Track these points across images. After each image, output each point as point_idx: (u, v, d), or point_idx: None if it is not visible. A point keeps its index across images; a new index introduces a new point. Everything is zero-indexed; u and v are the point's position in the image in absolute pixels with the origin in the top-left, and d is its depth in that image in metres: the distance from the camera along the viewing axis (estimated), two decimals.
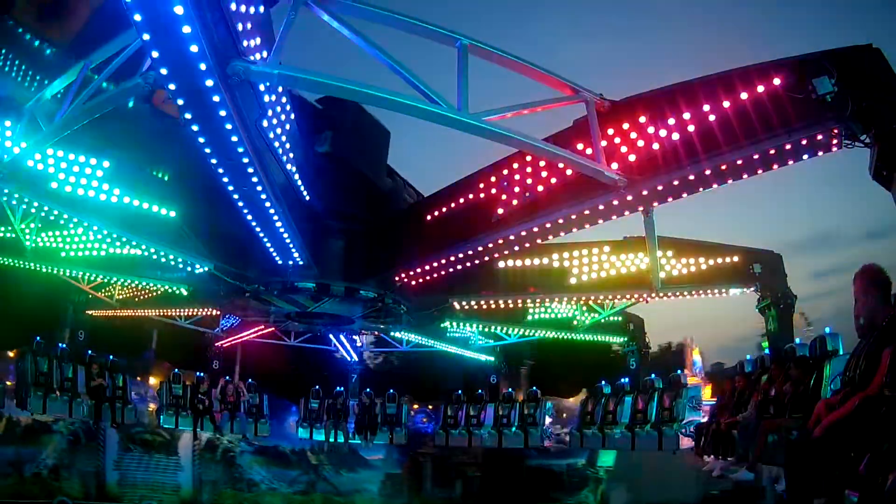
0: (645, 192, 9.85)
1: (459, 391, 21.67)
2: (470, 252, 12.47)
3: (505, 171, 11.45)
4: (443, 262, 13.10)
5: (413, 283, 14.38)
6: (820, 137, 8.52)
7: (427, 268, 13.53)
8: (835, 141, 8.59)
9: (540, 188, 10.85)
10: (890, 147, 7.92)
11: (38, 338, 17.51)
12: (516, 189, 11.20)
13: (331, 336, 22.88)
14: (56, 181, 11.24)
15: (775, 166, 9.08)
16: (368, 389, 21.44)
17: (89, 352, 18.77)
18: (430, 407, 23.11)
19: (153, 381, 22.75)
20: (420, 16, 8.98)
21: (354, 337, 23.39)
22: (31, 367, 16.65)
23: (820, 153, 8.79)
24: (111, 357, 18.92)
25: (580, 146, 9.81)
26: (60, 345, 18.12)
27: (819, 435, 5.03)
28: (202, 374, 19.85)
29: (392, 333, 21.84)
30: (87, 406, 17.45)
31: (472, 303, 16.80)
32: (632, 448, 16.61)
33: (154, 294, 19.09)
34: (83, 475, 18.46)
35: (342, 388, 21.53)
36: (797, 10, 70.67)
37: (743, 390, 12.25)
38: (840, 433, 4.82)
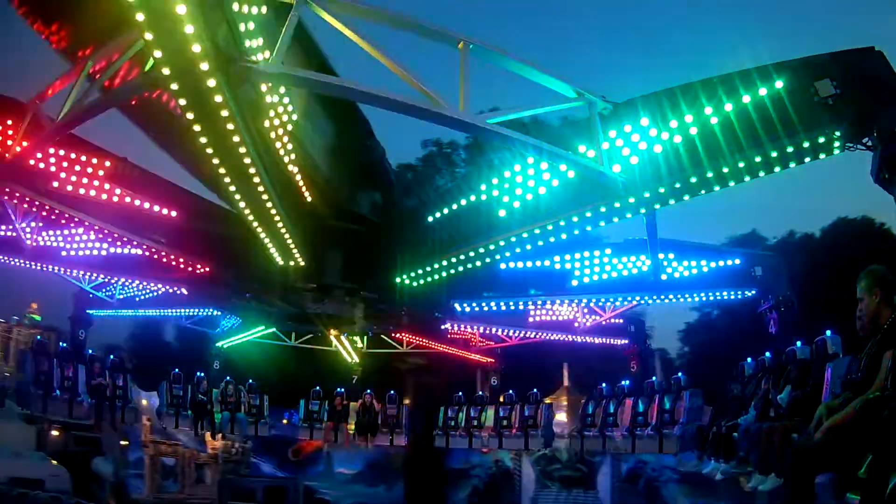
0: (647, 195, 9.83)
1: (460, 393, 21.66)
2: (471, 253, 12.45)
3: (507, 174, 11.43)
4: (444, 263, 13.09)
5: (414, 284, 14.36)
6: (822, 140, 8.51)
7: (428, 269, 13.51)
8: (836, 144, 8.58)
9: (542, 190, 10.83)
10: (892, 150, 7.91)
11: (38, 337, 17.52)
12: (518, 191, 11.18)
13: (332, 337, 22.84)
14: (57, 180, 11.25)
15: (777, 169, 9.06)
16: (369, 390, 21.43)
17: (90, 351, 18.79)
18: None
19: None
20: (423, 17, 8.96)
21: (355, 338, 23.35)
22: (31, 367, 16.67)
23: (822, 156, 8.78)
24: (111, 356, 18.94)
25: (582, 148, 9.80)
26: (62, 344, 18.12)
27: (820, 438, 5.03)
28: (202, 374, 19.85)
29: (393, 335, 21.85)
30: (87, 405, 17.46)
31: (473, 304, 16.79)
32: (632, 451, 16.61)
33: (155, 294, 19.11)
34: None
35: (342, 389, 21.51)
36: (800, 12, 70.49)
37: (743, 393, 12.25)
38: (842, 436, 4.81)
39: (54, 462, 14.72)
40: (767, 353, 12.93)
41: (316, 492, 18.38)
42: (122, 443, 18.06)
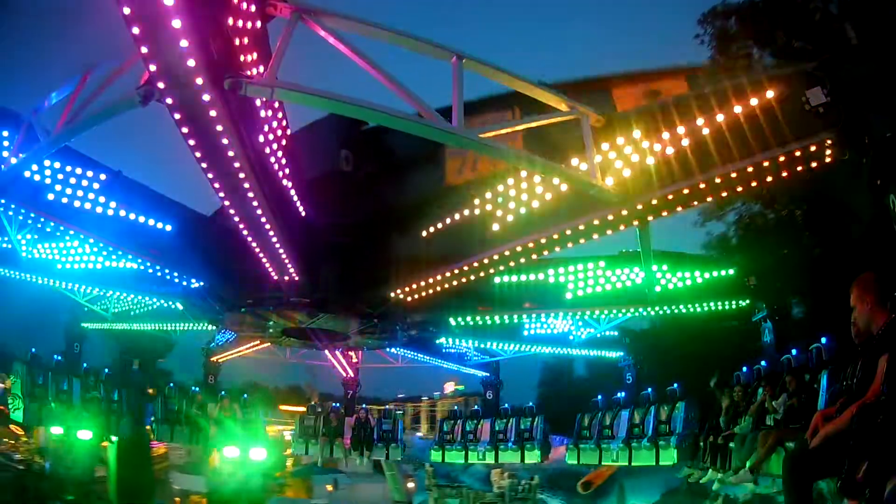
0: (640, 207, 9.85)
1: (456, 407, 21.61)
2: (465, 268, 12.42)
3: (500, 187, 11.44)
4: (438, 277, 13.06)
5: (409, 298, 14.34)
6: (814, 149, 8.54)
7: (422, 283, 13.48)
8: (828, 151, 8.61)
9: (535, 204, 10.85)
10: (883, 156, 7.95)
11: (32, 349, 17.49)
12: (511, 205, 11.19)
13: (326, 352, 22.81)
14: (53, 192, 11.26)
15: (769, 178, 9.11)
16: (364, 405, 21.37)
17: (84, 364, 18.74)
18: None
19: None
20: (417, 31, 8.99)
21: (350, 353, 23.30)
22: (26, 379, 16.64)
23: (814, 164, 8.82)
24: (107, 370, 18.88)
25: (575, 161, 9.83)
26: (56, 356, 18.09)
27: (817, 445, 5.04)
28: (197, 389, 19.78)
29: (388, 349, 21.79)
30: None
31: (468, 318, 16.76)
32: (628, 463, 16.57)
33: (149, 308, 19.03)
34: None
35: (338, 405, 21.45)
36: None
37: (739, 402, 12.28)
38: (838, 442, 4.82)
39: None
40: (763, 362, 12.96)
41: None
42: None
